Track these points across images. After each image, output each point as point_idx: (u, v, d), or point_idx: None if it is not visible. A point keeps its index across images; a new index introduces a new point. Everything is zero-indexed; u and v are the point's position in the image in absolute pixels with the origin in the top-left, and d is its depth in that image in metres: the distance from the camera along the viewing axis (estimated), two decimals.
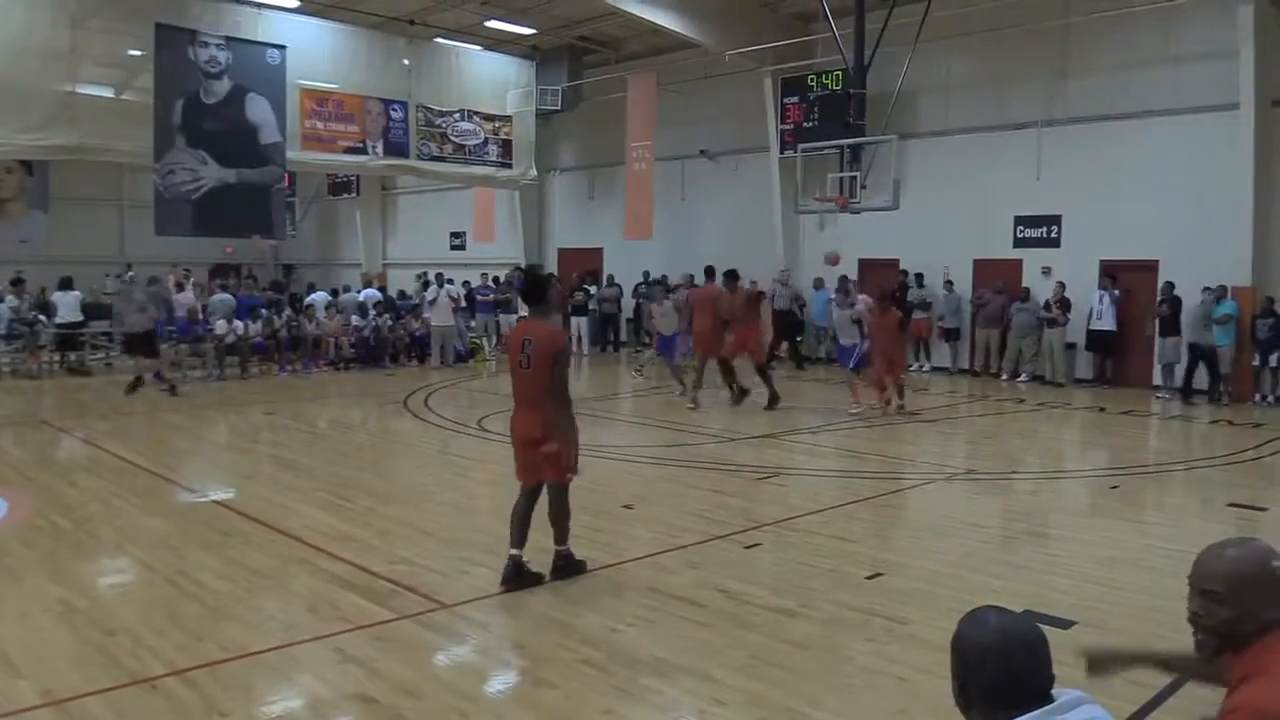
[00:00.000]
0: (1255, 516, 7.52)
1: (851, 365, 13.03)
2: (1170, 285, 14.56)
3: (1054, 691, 1.74)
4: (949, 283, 17.25)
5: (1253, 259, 13.96)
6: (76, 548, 6.39)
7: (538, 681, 4.36)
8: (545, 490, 5.60)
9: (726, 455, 9.89)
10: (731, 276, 13.28)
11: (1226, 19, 13.75)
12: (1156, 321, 14.69)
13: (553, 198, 24.92)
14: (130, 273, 17.90)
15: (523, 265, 23.21)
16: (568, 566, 5.67)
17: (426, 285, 20.01)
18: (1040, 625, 1.85)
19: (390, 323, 18.89)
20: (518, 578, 5.49)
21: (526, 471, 5.58)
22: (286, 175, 20.64)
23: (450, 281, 19.62)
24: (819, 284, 18.63)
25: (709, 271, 14.04)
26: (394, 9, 19.21)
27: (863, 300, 13.49)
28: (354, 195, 28.71)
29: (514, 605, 5.30)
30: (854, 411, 12.48)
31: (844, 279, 17.05)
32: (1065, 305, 15.66)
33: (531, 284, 5.71)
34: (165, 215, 17.16)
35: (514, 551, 5.51)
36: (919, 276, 17.65)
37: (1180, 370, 14.38)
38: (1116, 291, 15.16)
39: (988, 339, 16.81)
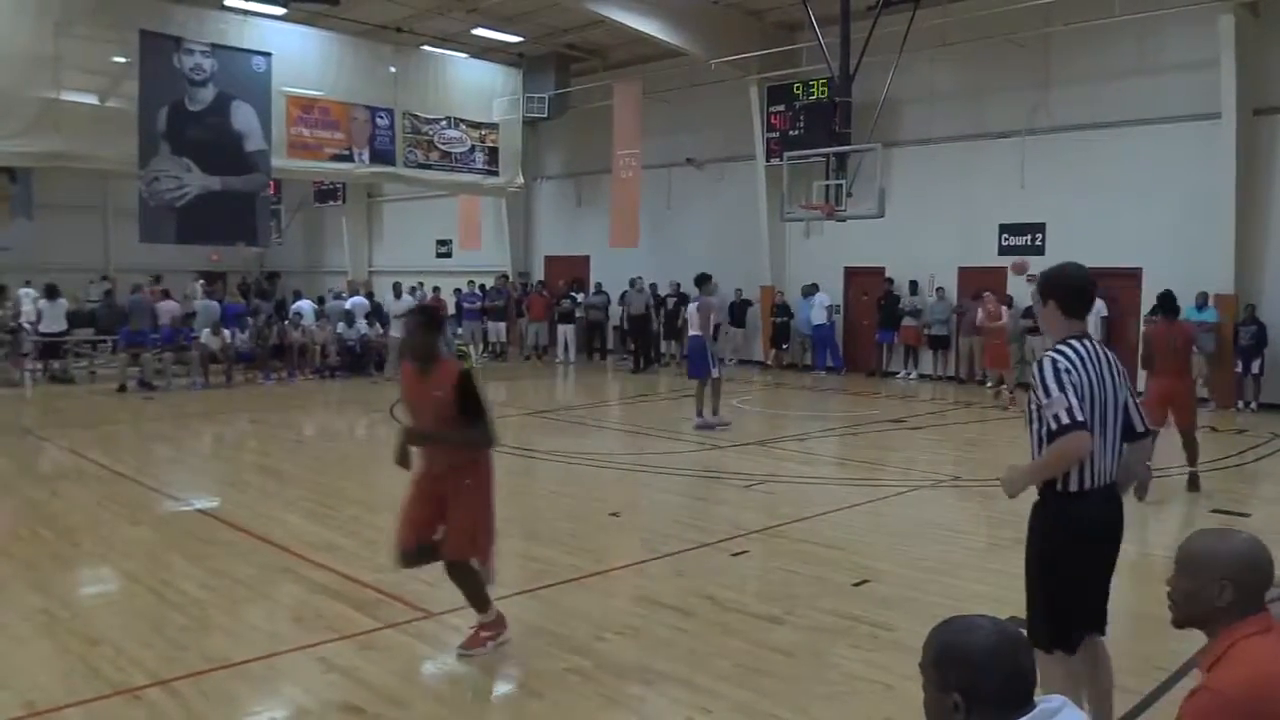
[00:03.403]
0: (1239, 522, 7.57)
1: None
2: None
3: (1035, 695, 1.74)
4: (939, 289, 17.29)
5: (1235, 267, 14.07)
6: (59, 557, 6.33)
7: (524, 690, 4.35)
8: None
9: (713, 463, 9.89)
10: None
11: (1207, 29, 13.88)
12: (1142, 330, 14.71)
13: (539, 205, 24.91)
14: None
15: (509, 273, 23.23)
16: None
17: (411, 292, 19.97)
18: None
19: (381, 331, 18.83)
20: None
21: None
22: (272, 183, 20.58)
23: (413, 291, 19.64)
24: (806, 292, 18.68)
25: None
26: (380, 17, 19.19)
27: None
28: (340, 203, 28.61)
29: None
30: None
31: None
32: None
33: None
34: (150, 223, 17.10)
35: None
36: (913, 284, 17.68)
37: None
38: (1103, 303, 15.20)
39: (970, 346, 16.87)
